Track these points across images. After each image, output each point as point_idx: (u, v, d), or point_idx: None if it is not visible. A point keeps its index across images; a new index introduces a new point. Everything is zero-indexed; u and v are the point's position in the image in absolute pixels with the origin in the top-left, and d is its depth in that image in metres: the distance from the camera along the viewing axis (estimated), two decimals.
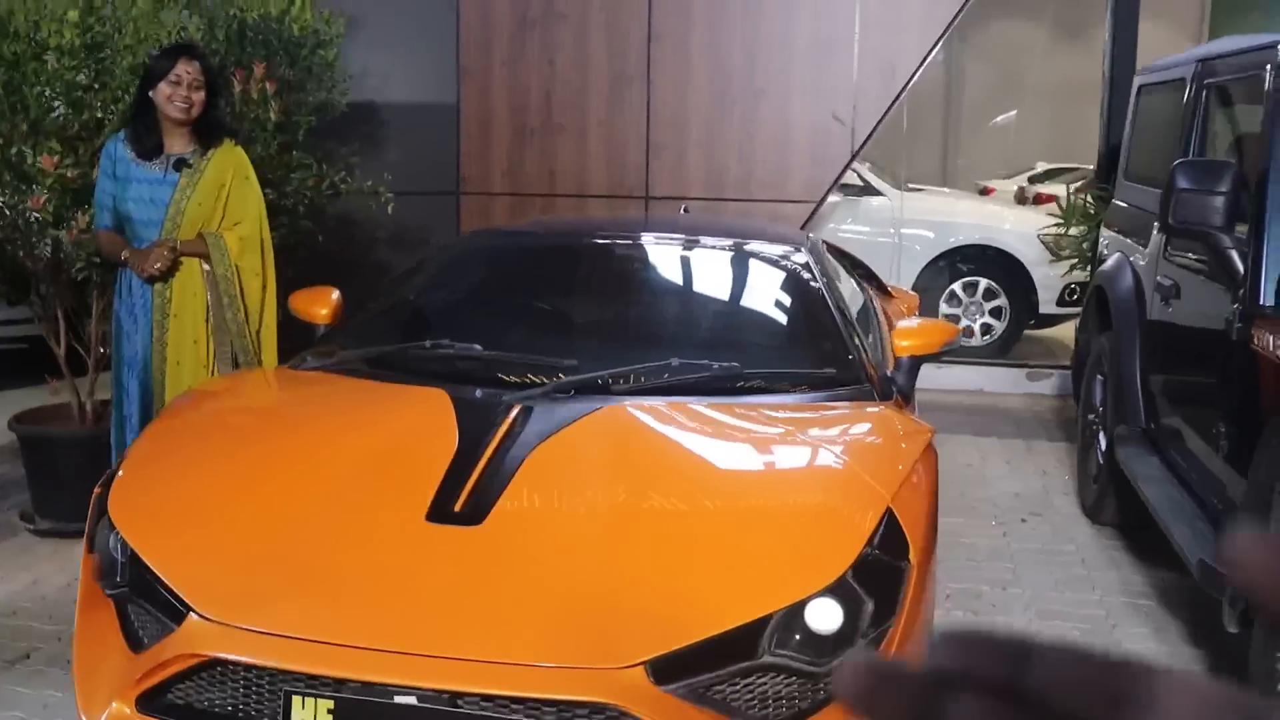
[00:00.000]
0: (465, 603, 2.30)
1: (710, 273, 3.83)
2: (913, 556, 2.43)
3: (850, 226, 8.08)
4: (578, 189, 7.22)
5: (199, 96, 3.70)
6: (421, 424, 2.85)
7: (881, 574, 2.38)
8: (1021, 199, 12.29)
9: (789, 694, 2.29)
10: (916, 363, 3.43)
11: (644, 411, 2.90)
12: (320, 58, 5.66)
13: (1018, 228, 8.31)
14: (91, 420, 4.44)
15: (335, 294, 3.85)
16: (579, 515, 2.49)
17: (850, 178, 7.93)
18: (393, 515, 2.47)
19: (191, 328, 3.74)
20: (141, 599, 2.46)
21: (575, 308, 3.74)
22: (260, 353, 3.83)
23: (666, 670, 2.19)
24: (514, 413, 2.84)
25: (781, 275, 3.69)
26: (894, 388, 3.35)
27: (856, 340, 3.36)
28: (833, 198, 7.83)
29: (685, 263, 3.84)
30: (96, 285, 4.28)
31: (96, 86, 4.35)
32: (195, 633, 2.33)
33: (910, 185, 8.71)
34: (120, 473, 2.70)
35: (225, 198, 3.79)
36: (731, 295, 3.76)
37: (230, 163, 3.81)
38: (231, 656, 2.29)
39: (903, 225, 8.09)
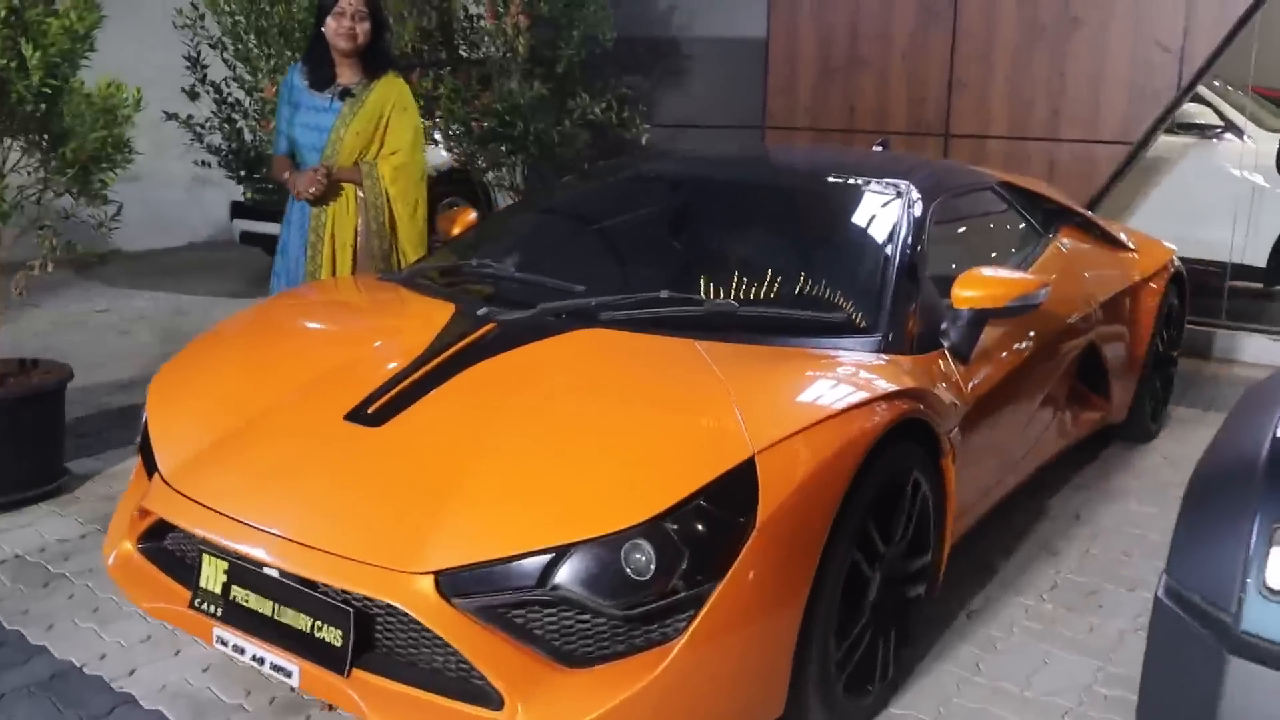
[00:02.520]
0: (327, 495, 2.48)
1: (785, 213, 3.61)
2: (761, 516, 2.26)
3: (1196, 176, 7.03)
4: (877, 125, 6.94)
5: (363, 27, 3.95)
6: (409, 332, 3.03)
7: (711, 528, 2.24)
8: None
9: (596, 632, 2.25)
10: (978, 316, 3.06)
11: (599, 341, 2.88)
12: None
13: None
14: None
15: (472, 215, 4.12)
16: (464, 428, 2.55)
17: (1203, 114, 6.92)
18: (323, 411, 2.69)
19: (341, 250, 4.08)
20: (146, 457, 2.89)
21: (641, 239, 3.72)
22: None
23: (458, 584, 2.24)
24: (485, 328, 2.95)
25: (851, 218, 3.42)
26: (941, 342, 3.03)
27: (896, 289, 3.07)
28: (1172, 138, 6.89)
29: (766, 201, 3.65)
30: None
31: None
32: (153, 491, 2.72)
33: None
34: (171, 361, 3.14)
35: (384, 127, 4.03)
36: (795, 236, 3.53)
37: (391, 94, 4.03)
38: (165, 516, 2.65)
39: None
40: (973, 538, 3.42)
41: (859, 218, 3.39)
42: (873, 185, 3.47)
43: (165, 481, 2.69)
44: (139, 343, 6.48)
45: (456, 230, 4.02)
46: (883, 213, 3.35)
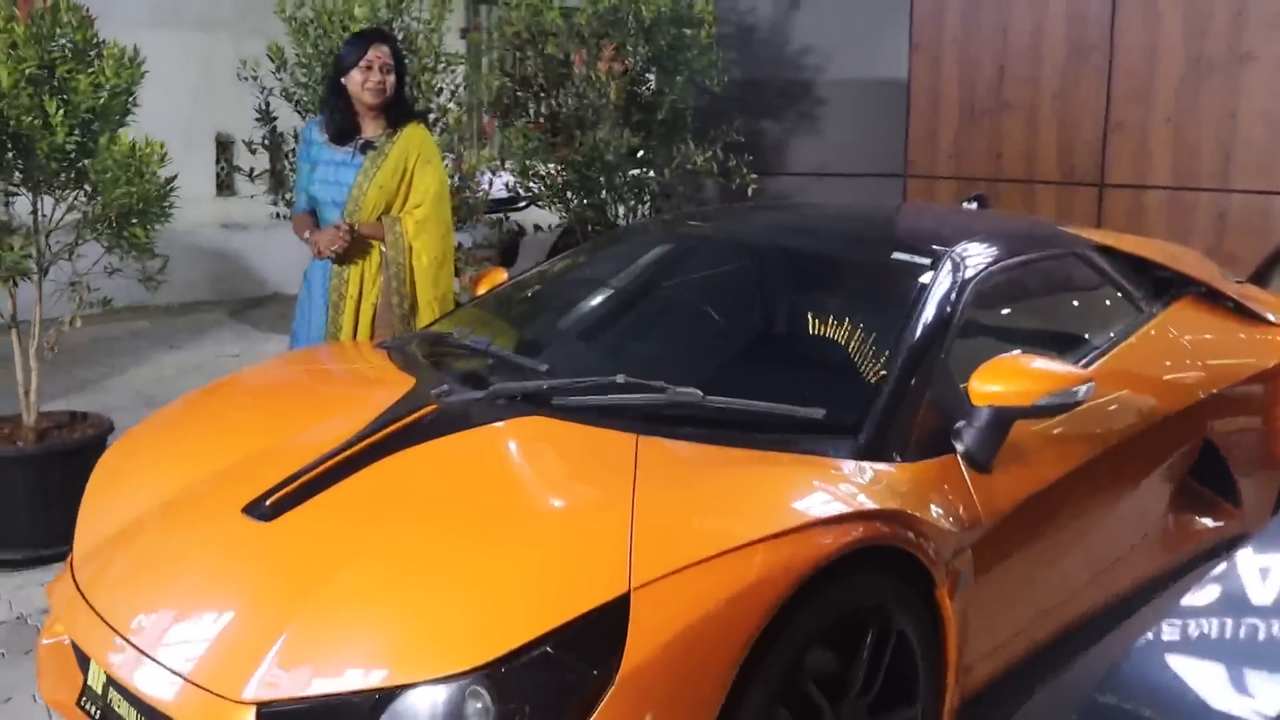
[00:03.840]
0: (193, 598, 2.24)
1: (793, 287, 3.18)
2: (624, 668, 1.87)
3: None
4: (1025, 174, 6.32)
5: (390, 80, 3.78)
6: (355, 410, 2.76)
7: (559, 678, 1.86)
8: None
9: None
10: (1001, 416, 2.55)
11: (531, 432, 2.54)
12: (690, 38, 5.58)
13: None
14: (34, 437, 4.04)
15: (502, 275, 3.86)
16: (342, 533, 2.26)
17: None
18: (226, 501, 2.46)
19: (365, 310, 3.87)
20: None
21: (634, 312, 3.34)
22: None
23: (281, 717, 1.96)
24: (423, 411, 2.66)
25: (861, 295, 2.96)
26: (954, 445, 2.54)
27: (896, 381, 2.59)
28: None
29: (775, 272, 3.22)
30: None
31: None
32: (58, 578, 2.58)
33: None
34: (123, 437, 2.99)
35: (407, 180, 3.83)
36: (795, 314, 3.07)
37: (414, 144, 3.84)
38: (54, 609, 2.50)
39: None
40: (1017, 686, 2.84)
41: (871, 294, 2.94)
42: (899, 256, 2.99)
43: (70, 568, 2.54)
44: None
45: (481, 291, 3.76)
46: (901, 288, 2.88)
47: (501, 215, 6.38)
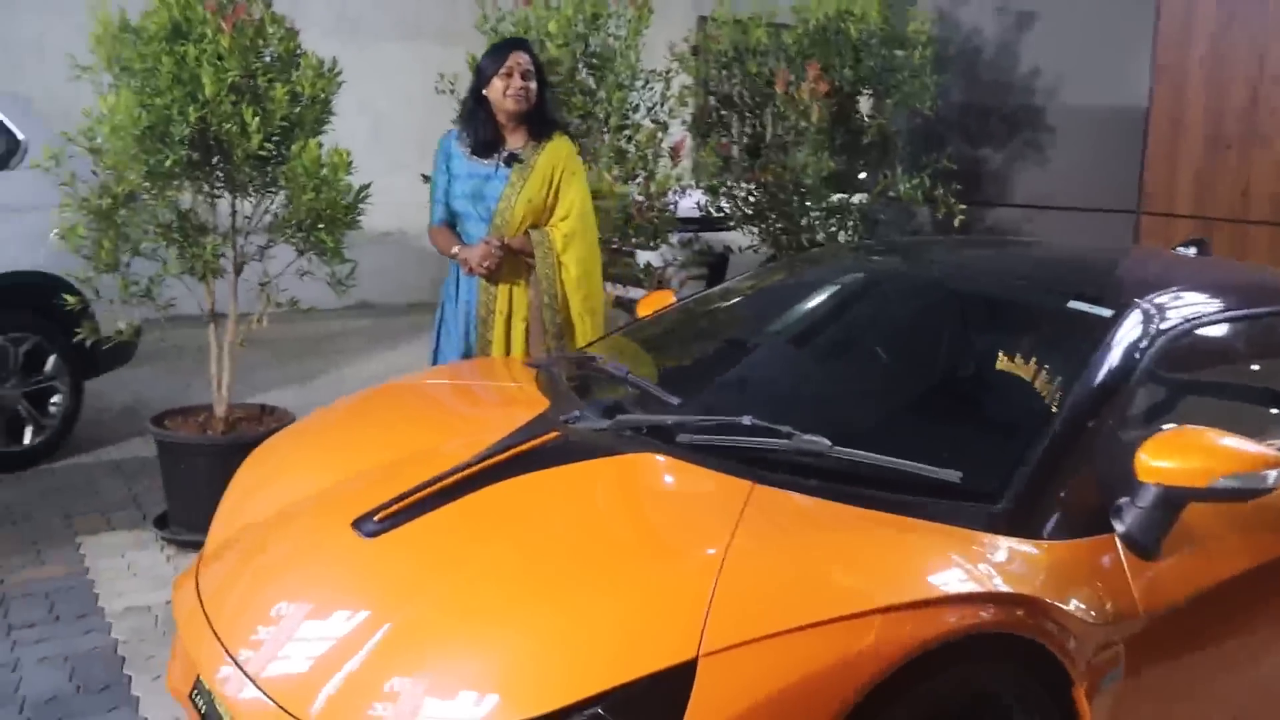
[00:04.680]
0: (285, 612, 2.25)
1: (955, 333, 2.91)
2: None
3: None
4: (1276, 215, 5.71)
5: (532, 86, 3.71)
6: (484, 430, 2.72)
7: None
8: None
9: None
10: (1172, 496, 2.25)
11: (642, 470, 2.42)
12: (902, 59, 5.33)
13: None
14: (224, 427, 4.23)
15: (670, 299, 3.77)
16: (433, 560, 2.21)
17: None
18: (339, 512, 2.47)
19: (517, 325, 3.82)
20: None
21: (783, 350, 3.14)
22: (573, 348, 3.78)
23: None
24: (546, 437, 2.60)
25: (1026, 347, 2.67)
26: (1114, 525, 2.26)
27: (1048, 447, 2.33)
28: None
29: (935, 316, 2.96)
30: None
31: None
32: (185, 570, 2.66)
33: None
34: (271, 439, 3.07)
35: (554, 192, 3.76)
36: (951, 364, 2.81)
37: (560, 156, 3.77)
38: (173, 604, 2.58)
39: None
40: None
41: (1041, 346, 2.65)
42: (1077, 304, 2.70)
43: (196, 567, 2.61)
44: None
45: (644, 313, 3.68)
46: (1076, 341, 2.59)
47: (691, 234, 6.30)
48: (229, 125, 3.80)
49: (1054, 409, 2.44)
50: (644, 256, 5.30)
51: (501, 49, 3.77)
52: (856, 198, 5.61)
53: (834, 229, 5.50)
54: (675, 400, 2.71)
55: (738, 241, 5.89)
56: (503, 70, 3.71)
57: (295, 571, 2.34)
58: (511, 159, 3.78)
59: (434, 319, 4.05)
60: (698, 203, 5.58)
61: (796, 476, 2.33)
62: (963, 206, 5.48)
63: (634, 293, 5.31)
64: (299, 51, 4.03)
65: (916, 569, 2.04)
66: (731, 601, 1.88)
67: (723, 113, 5.63)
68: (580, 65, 4.74)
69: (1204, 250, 3.73)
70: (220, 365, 4.26)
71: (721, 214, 5.58)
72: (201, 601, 2.43)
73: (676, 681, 1.77)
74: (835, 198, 5.40)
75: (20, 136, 5.10)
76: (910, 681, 1.90)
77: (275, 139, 3.91)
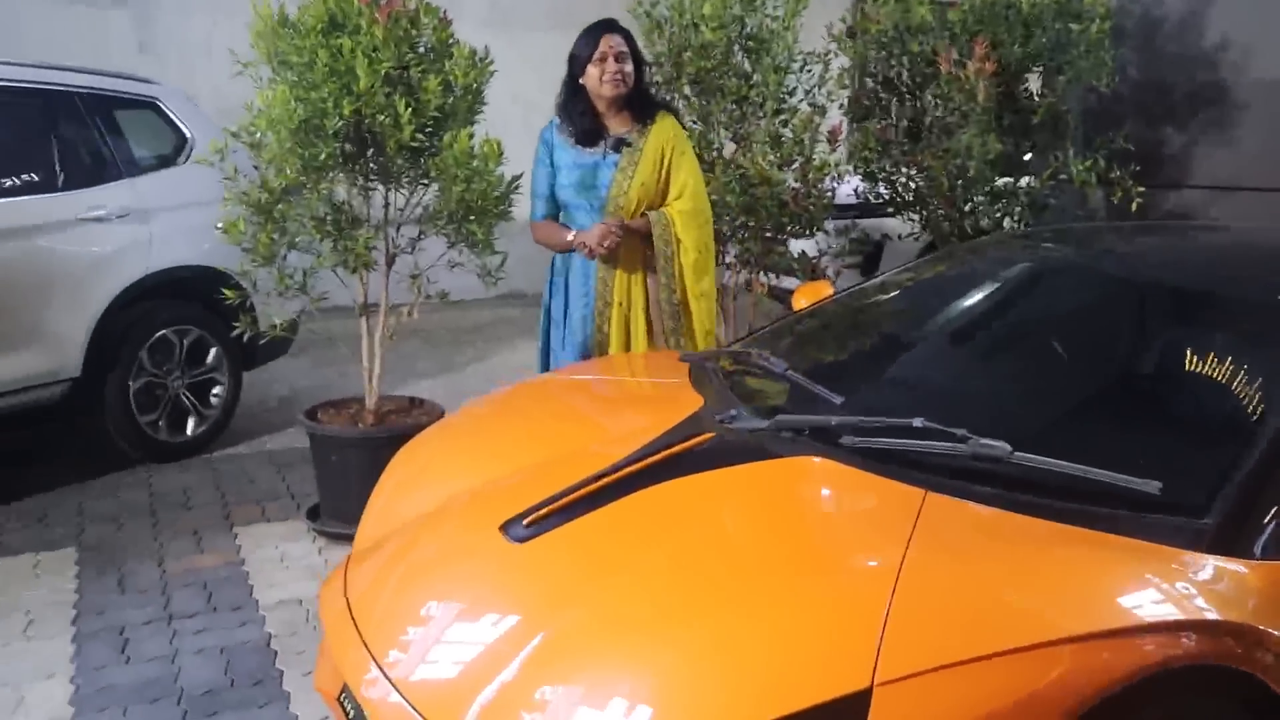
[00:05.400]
0: (435, 619, 2.18)
1: (1158, 331, 2.64)
2: None
3: None
4: None
5: (628, 68, 3.57)
6: (634, 429, 2.61)
7: None
8: None
9: None
10: None
11: (806, 476, 2.26)
12: (1077, 33, 5.00)
13: None
14: (374, 420, 4.20)
15: (827, 290, 3.60)
16: (585, 568, 2.10)
17: None
18: (488, 515, 2.39)
19: (635, 312, 3.68)
20: None
21: (965, 345, 2.91)
22: (689, 334, 3.66)
23: None
24: (701, 437, 2.47)
25: (1231, 349, 2.40)
26: None
27: (1260, 457, 2.08)
28: None
29: (1140, 311, 2.69)
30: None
31: None
32: (333, 570, 2.63)
33: None
34: (418, 436, 3.02)
35: (666, 173, 3.63)
36: (1155, 365, 2.54)
37: (667, 135, 3.64)
38: (321, 605, 2.54)
39: None
40: None
41: (1252, 344, 2.39)
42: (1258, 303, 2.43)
43: (344, 569, 2.57)
44: None
45: (801, 304, 3.51)
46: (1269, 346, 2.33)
47: (849, 222, 6.07)
48: (382, 117, 3.77)
49: (1266, 414, 2.19)
50: (797, 245, 5.10)
51: (592, 33, 3.62)
52: (1024, 181, 5.31)
53: (999, 215, 5.22)
54: (838, 399, 2.54)
55: (897, 229, 5.64)
56: (596, 55, 3.57)
57: (443, 577, 2.27)
58: (619, 144, 3.65)
59: (539, 323, 3.92)
60: (855, 189, 5.37)
61: (973, 484, 2.14)
62: (1140, 189, 5.12)
63: (787, 282, 5.14)
64: (452, 42, 3.99)
65: (1111, 592, 1.85)
66: (907, 625, 1.72)
67: (881, 95, 5.40)
68: (736, 48, 4.58)
69: None
70: (371, 357, 4.26)
71: (880, 200, 5.36)
72: (349, 603, 2.38)
73: (848, 714, 1.62)
74: (1001, 182, 5.12)
75: (188, 134, 5.23)
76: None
77: (428, 130, 3.87)
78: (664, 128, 3.68)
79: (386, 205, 4.12)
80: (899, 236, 5.63)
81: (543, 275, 3.90)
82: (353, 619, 2.32)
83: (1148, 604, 1.83)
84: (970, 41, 4.88)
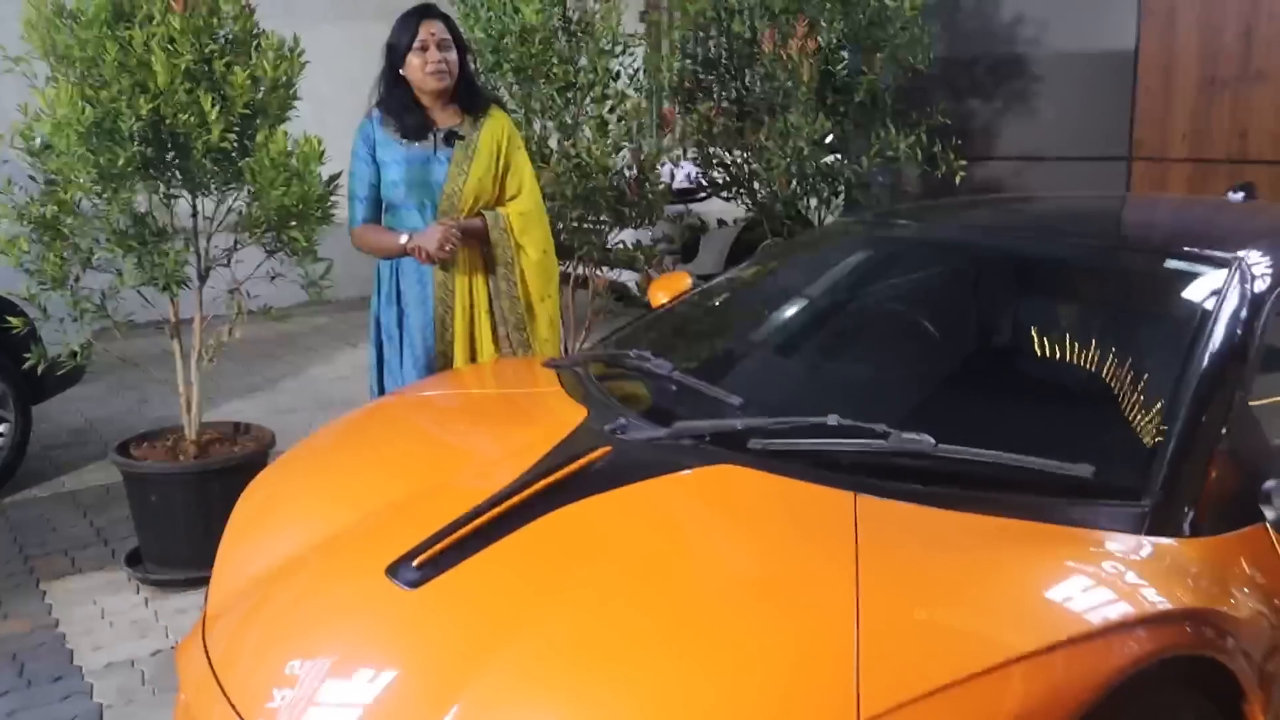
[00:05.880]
0: (328, 682, 1.91)
1: (1042, 302, 2.63)
2: None
3: None
4: (1276, 154, 5.51)
5: (452, 57, 3.32)
6: (517, 448, 2.39)
7: None
8: None
9: None
10: None
11: (724, 486, 2.10)
12: (892, 10, 5.02)
13: None
14: (196, 451, 3.83)
15: (685, 281, 3.44)
16: (495, 609, 1.87)
17: None
18: (368, 558, 2.12)
19: (480, 316, 3.44)
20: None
21: (854, 330, 2.84)
22: (536, 338, 3.47)
23: None
24: (598, 452, 2.26)
25: (1130, 315, 2.40)
26: (1264, 513, 1.99)
27: (1183, 430, 2.05)
28: None
29: (1019, 281, 2.68)
30: None
31: None
32: (188, 635, 2.31)
33: None
34: (259, 476, 2.70)
35: (501, 170, 3.42)
36: (1046, 338, 2.51)
37: (502, 130, 3.42)
38: (179, 670, 2.22)
39: None
40: None
41: (1142, 314, 2.38)
42: (1173, 264, 2.42)
43: (201, 628, 2.26)
44: None
45: (664, 299, 3.34)
46: (1178, 306, 2.32)
47: (683, 208, 5.97)
48: (185, 116, 3.39)
49: (1175, 385, 2.16)
50: (628, 235, 4.94)
51: (410, 19, 3.35)
52: (847, 161, 5.32)
53: (826, 194, 5.21)
54: (735, 400, 2.39)
55: (731, 214, 5.57)
56: (416, 44, 3.31)
57: (328, 635, 1.99)
58: (451, 137, 3.38)
59: (369, 336, 3.60)
60: (688, 174, 5.26)
61: (899, 482, 2.03)
62: (962, 163, 5.21)
63: (624, 276, 4.99)
64: (257, 32, 3.63)
65: (1078, 589, 1.76)
66: (880, 654, 1.58)
67: (702, 77, 5.30)
68: (560, 32, 4.37)
69: (1251, 195, 3.48)
70: (188, 382, 3.86)
71: (716, 185, 5.26)
72: (216, 675, 2.07)
73: None
74: (829, 159, 5.10)
75: None
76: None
77: (237, 129, 3.51)
78: (496, 121, 3.45)
79: (195, 214, 3.72)
80: (735, 221, 5.57)
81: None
82: (219, 684, 2.02)
83: (1106, 598, 1.75)
84: (789, 21, 4.83)
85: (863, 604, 1.66)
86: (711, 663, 1.63)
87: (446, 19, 3.40)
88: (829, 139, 5.11)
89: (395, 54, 3.37)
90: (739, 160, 5.19)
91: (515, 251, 3.43)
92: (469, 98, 3.43)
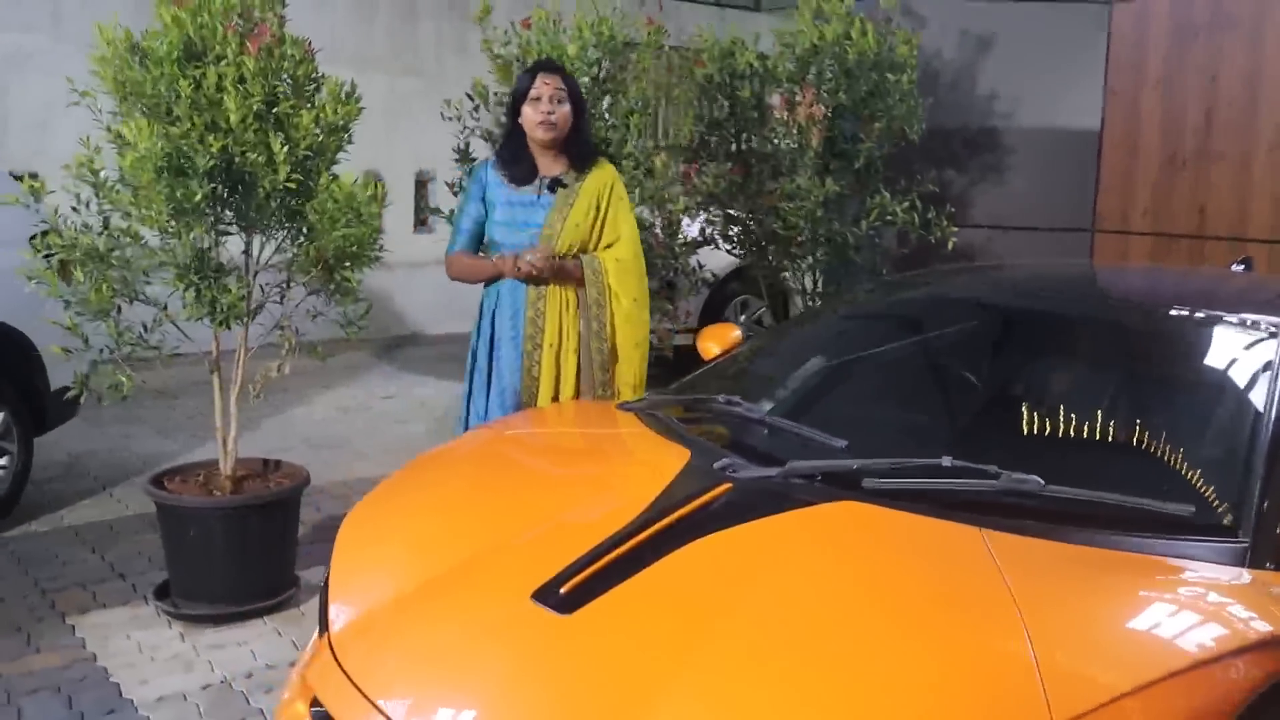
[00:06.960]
0: (492, 699, 1.98)
1: (1117, 357, 2.84)
2: None
3: None
4: (1231, 230, 5.91)
5: (564, 110, 3.48)
6: (631, 484, 2.52)
7: None
8: None
9: None
10: None
11: (855, 520, 2.25)
12: (891, 83, 5.30)
13: None
14: (229, 488, 3.85)
15: (735, 333, 3.60)
16: (664, 630, 1.98)
17: None
18: (509, 585, 2.20)
19: (566, 358, 3.57)
20: (322, 610, 2.53)
21: (932, 382, 3.03)
22: (623, 386, 3.58)
23: None
24: (718, 489, 2.39)
25: (1205, 368, 2.62)
26: None
27: (1270, 469, 2.26)
28: None
29: (1090, 340, 2.90)
30: None
31: None
32: (316, 657, 2.35)
33: None
34: (365, 499, 2.76)
35: (601, 218, 3.56)
36: (1129, 390, 2.74)
37: (606, 181, 3.57)
38: (318, 693, 2.26)
39: None
40: None
41: (1216, 367, 2.60)
42: (1237, 322, 2.66)
43: (330, 647, 2.31)
44: (411, 434, 6.38)
45: (717, 350, 3.49)
46: (1250, 360, 2.54)
47: (697, 263, 6.17)
48: (254, 155, 3.46)
49: (1252, 432, 2.37)
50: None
51: (530, 72, 3.54)
52: (837, 224, 5.57)
53: (825, 257, 5.44)
54: (840, 443, 2.54)
55: (712, 267, 5.78)
56: (531, 94, 3.49)
57: (483, 653, 2.07)
58: (555, 184, 3.55)
59: (465, 366, 3.72)
60: (702, 230, 5.44)
61: (1012, 519, 2.20)
62: (954, 229, 5.48)
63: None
64: (317, 76, 3.72)
65: (1214, 610, 1.94)
66: (1056, 664, 1.73)
67: (708, 138, 5.51)
68: (597, 90, 4.54)
69: (1250, 267, 3.78)
70: (226, 417, 3.89)
71: (729, 241, 5.47)
72: (361, 689, 2.12)
73: None
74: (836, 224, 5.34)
75: None
76: None
77: (300, 171, 3.59)
78: (603, 172, 3.60)
79: (246, 251, 3.78)
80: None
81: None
82: (372, 703, 2.08)
83: (1229, 626, 1.93)
84: (797, 88, 5.07)
85: (1028, 624, 1.81)
86: (901, 683, 1.75)
87: (565, 74, 3.57)
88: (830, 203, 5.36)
89: (515, 101, 3.55)
90: (756, 218, 5.38)
91: (608, 295, 3.55)
92: (577, 150, 3.57)
